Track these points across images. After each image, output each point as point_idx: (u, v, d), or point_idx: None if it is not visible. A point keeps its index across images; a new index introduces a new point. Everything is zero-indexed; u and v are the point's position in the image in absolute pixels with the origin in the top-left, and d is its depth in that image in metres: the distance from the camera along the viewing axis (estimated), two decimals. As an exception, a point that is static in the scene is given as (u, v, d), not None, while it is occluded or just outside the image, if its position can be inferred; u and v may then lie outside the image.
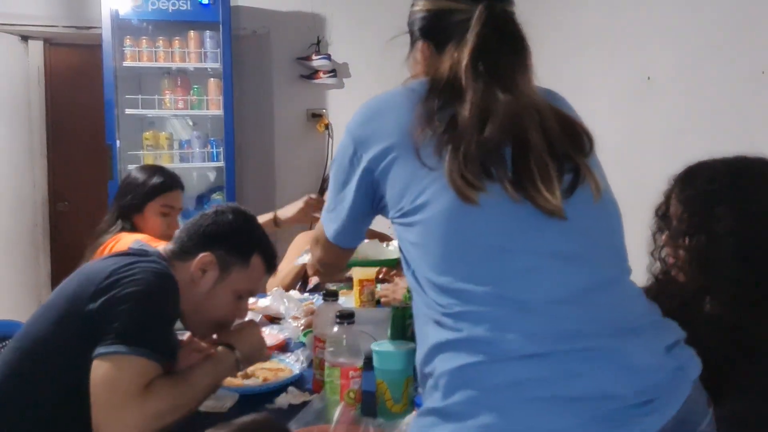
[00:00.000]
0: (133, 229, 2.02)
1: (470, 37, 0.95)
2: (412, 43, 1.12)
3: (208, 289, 1.32)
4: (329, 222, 1.10)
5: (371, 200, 1.00)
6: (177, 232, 1.39)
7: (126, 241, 1.90)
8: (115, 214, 2.04)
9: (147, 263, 1.22)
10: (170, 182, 2.07)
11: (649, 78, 2.30)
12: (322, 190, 2.50)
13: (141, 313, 1.15)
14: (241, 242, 1.36)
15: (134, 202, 2.02)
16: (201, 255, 1.31)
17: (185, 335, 1.47)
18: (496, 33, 0.96)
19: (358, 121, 1.02)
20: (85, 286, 1.18)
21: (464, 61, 0.93)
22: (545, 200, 0.85)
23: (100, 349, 1.11)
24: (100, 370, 1.10)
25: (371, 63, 3.88)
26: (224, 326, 1.39)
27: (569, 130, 0.94)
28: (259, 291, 1.47)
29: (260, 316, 1.97)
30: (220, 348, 1.31)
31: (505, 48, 0.96)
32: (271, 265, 1.41)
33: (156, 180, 2.04)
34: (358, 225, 1.09)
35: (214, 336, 1.40)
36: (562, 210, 0.86)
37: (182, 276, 1.30)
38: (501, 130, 0.88)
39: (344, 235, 1.11)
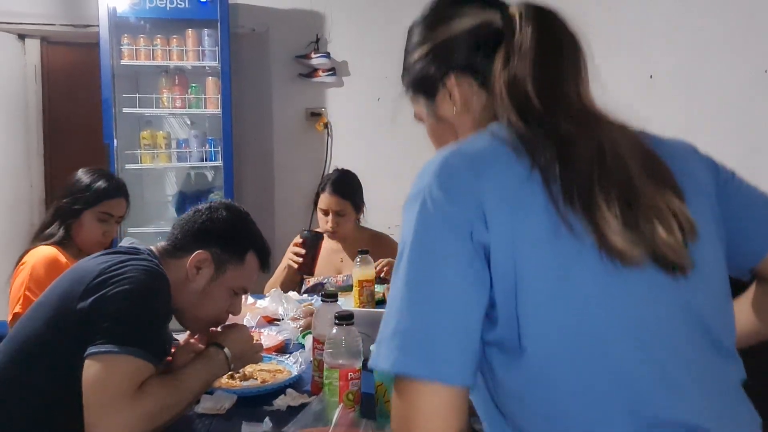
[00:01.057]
0: (68, 232, 1.97)
1: (525, 49, 0.77)
2: (432, 86, 0.88)
3: (203, 287, 1.32)
4: (408, 350, 0.66)
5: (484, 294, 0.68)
6: (171, 229, 1.38)
7: (39, 254, 1.88)
8: (53, 215, 2.00)
9: (138, 261, 1.21)
10: (115, 189, 2.02)
11: (651, 76, 2.29)
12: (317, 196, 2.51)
13: (132, 313, 1.14)
14: (236, 240, 1.36)
15: (75, 206, 1.96)
16: (196, 253, 1.31)
17: (182, 336, 1.46)
18: (551, 37, 0.79)
19: (456, 177, 0.71)
20: (76, 285, 1.17)
21: (530, 84, 0.76)
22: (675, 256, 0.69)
23: (91, 349, 1.10)
24: (91, 369, 1.10)
25: (371, 61, 3.87)
26: (219, 322, 1.39)
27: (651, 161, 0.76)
28: (253, 288, 1.46)
29: (259, 317, 1.96)
30: (209, 347, 1.31)
31: (566, 54, 0.81)
32: (265, 262, 1.41)
33: (101, 185, 1.99)
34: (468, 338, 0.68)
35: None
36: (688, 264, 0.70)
37: (176, 273, 1.30)
38: (616, 167, 0.71)
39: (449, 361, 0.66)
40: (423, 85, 0.90)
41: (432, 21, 0.89)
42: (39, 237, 1.98)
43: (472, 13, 0.84)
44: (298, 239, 2.37)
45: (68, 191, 2.00)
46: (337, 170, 2.61)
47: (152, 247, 1.35)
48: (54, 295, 1.21)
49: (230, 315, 1.41)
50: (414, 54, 0.91)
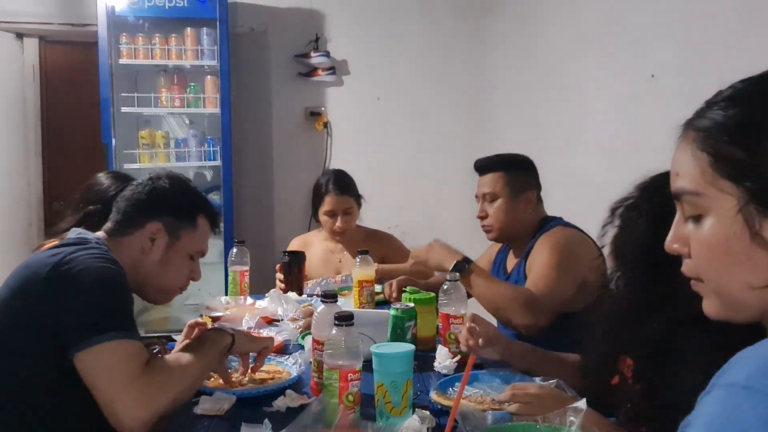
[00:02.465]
0: None
1: None
2: None
3: (161, 257, 1.34)
4: None
5: None
6: (114, 207, 1.38)
7: None
8: (80, 220, 1.92)
9: (87, 251, 1.21)
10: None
11: (653, 76, 2.28)
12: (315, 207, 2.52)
13: (103, 301, 1.15)
14: (185, 206, 1.38)
15: (105, 211, 1.88)
16: (148, 225, 1.33)
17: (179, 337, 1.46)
18: None
19: None
20: (32, 284, 1.17)
21: None
22: None
23: (80, 345, 1.10)
24: (91, 362, 1.10)
25: (371, 60, 3.86)
26: (182, 290, 1.43)
27: None
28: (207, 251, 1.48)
29: (258, 317, 1.95)
30: (207, 331, 1.37)
31: None
32: (215, 222, 1.45)
33: None
34: None
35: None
36: None
37: (130, 250, 1.32)
38: None
39: None
40: None
41: None
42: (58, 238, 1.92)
43: None
44: (278, 267, 2.39)
45: (94, 198, 1.83)
46: (331, 171, 2.61)
47: (99, 233, 1.35)
48: (9, 292, 1.20)
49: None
50: None
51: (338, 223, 2.47)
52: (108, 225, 1.36)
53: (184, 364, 1.21)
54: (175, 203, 1.37)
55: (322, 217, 2.52)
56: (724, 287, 0.68)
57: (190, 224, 1.38)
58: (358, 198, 2.54)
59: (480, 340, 1.43)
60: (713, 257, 0.69)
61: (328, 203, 2.48)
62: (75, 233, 1.34)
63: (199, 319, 1.63)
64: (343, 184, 2.50)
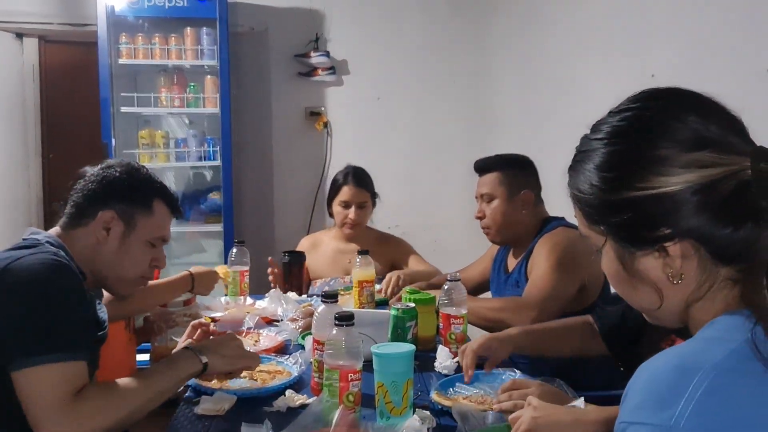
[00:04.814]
0: None
1: None
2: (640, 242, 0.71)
3: (118, 246, 1.31)
4: None
5: None
6: (69, 199, 1.35)
7: None
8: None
9: (32, 257, 1.17)
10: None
11: (653, 76, 2.28)
12: (325, 204, 2.53)
13: (39, 318, 1.11)
14: (137, 191, 1.35)
15: None
16: (100, 214, 1.30)
17: (181, 337, 1.45)
18: None
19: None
20: None
21: None
22: None
23: (15, 364, 1.07)
24: (22, 385, 1.08)
25: (370, 60, 3.86)
26: (146, 279, 1.39)
27: None
28: (169, 237, 1.44)
29: (257, 317, 1.95)
30: (183, 350, 1.30)
31: None
32: (174, 207, 1.41)
33: None
34: None
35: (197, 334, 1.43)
36: None
37: (85, 241, 1.29)
38: None
39: None
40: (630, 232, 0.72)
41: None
42: None
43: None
44: (269, 260, 2.40)
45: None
46: (350, 166, 2.61)
47: (53, 230, 1.33)
48: None
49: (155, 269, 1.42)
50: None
51: (351, 215, 2.49)
52: (63, 219, 1.34)
53: (131, 388, 1.16)
54: (126, 189, 1.33)
55: (336, 208, 2.54)
56: (635, 304, 0.77)
57: (145, 210, 1.34)
58: (373, 196, 2.57)
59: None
60: (614, 285, 0.78)
61: (344, 193, 2.51)
62: (29, 232, 1.32)
63: (203, 320, 1.62)
64: (361, 177, 2.54)
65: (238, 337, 1.47)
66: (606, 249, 0.75)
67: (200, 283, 1.99)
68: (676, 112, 0.71)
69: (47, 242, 1.26)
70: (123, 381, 1.18)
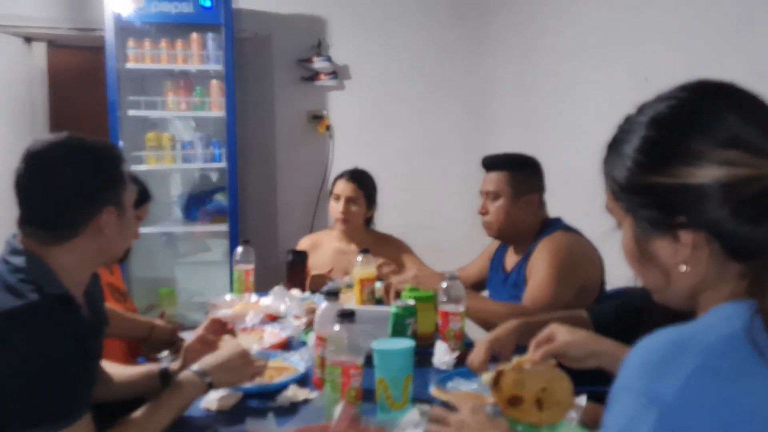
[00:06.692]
0: None
1: None
2: (655, 225, 0.75)
3: (117, 232, 1.23)
4: None
5: None
6: (26, 215, 1.20)
7: None
8: None
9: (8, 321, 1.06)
10: (147, 194, 1.98)
11: (647, 79, 2.30)
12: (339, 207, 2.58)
13: (30, 392, 1.04)
14: (112, 182, 1.25)
15: None
16: (92, 222, 1.19)
17: (189, 335, 1.49)
18: None
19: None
20: None
21: None
22: None
23: None
24: None
25: (372, 65, 3.91)
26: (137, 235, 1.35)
27: None
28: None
29: (261, 315, 1.99)
30: (186, 374, 1.29)
31: None
32: (121, 157, 1.32)
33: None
34: None
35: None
36: None
37: (83, 245, 1.19)
38: None
39: None
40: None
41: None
42: None
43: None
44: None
45: None
46: (355, 167, 2.66)
47: (25, 243, 1.17)
48: None
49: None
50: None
51: (339, 208, 2.52)
52: (33, 241, 1.18)
53: (140, 429, 1.16)
54: (105, 186, 1.24)
55: (330, 204, 2.59)
56: (644, 283, 0.81)
57: (121, 185, 1.26)
58: (369, 194, 2.58)
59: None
60: (628, 260, 0.81)
61: (337, 186, 2.57)
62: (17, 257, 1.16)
63: (221, 318, 1.63)
64: (358, 175, 2.58)
65: (240, 344, 1.45)
66: (625, 226, 0.79)
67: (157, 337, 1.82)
68: (719, 110, 0.72)
69: (21, 279, 1.11)
70: (132, 421, 1.17)
